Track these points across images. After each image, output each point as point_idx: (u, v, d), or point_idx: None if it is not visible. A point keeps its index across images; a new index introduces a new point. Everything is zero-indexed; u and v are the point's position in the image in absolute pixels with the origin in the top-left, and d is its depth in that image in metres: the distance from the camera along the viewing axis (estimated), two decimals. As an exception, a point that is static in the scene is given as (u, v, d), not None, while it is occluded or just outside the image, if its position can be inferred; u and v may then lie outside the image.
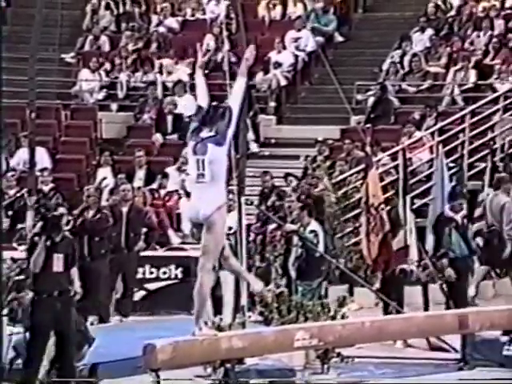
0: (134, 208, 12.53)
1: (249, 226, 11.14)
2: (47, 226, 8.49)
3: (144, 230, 12.54)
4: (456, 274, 11.00)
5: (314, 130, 15.81)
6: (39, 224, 8.80)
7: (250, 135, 15.47)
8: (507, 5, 16.66)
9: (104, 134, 16.78)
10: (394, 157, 14.44)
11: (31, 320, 8.31)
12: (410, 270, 11.02)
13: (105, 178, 14.83)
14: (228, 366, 6.63)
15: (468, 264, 10.86)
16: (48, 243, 8.39)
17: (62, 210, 8.54)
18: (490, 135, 14.85)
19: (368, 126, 15.59)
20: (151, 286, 12.59)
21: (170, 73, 17.15)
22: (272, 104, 16.67)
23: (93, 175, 15.66)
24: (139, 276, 12.52)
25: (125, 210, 12.36)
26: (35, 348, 8.24)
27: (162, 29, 17.97)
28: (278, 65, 16.79)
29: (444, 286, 11.60)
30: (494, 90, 15.39)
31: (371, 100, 16.06)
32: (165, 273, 12.71)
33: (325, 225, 12.28)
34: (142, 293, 12.55)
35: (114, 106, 17.17)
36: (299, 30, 17.21)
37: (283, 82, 16.76)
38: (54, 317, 8.28)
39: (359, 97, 16.12)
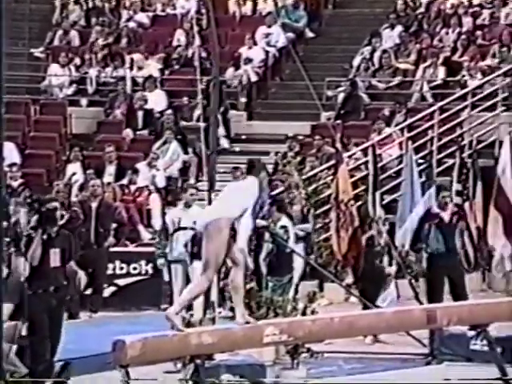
0: (104, 203, 12.49)
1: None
2: (42, 220, 8.42)
3: (114, 225, 12.50)
4: (429, 270, 11.09)
5: (284, 126, 15.84)
6: (34, 218, 8.72)
7: (221, 131, 15.46)
8: (475, 2, 16.78)
9: (74, 129, 16.69)
10: (363, 153, 14.50)
11: (28, 317, 8.21)
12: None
13: (74, 174, 14.76)
14: (198, 361, 6.63)
15: (444, 261, 10.92)
16: (44, 237, 8.31)
17: (55, 203, 8.48)
18: (458, 132, 14.95)
19: (338, 122, 15.65)
20: (121, 282, 12.56)
21: (140, 68, 17.10)
22: (243, 100, 16.67)
23: (62, 171, 15.58)
24: (109, 272, 12.48)
25: (94, 205, 12.32)
26: (37, 345, 8.16)
27: (132, 24, 17.90)
28: (248, 60, 16.80)
29: (413, 281, 11.70)
30: (463, 87, 15.51)
31: (341, 96, 16.11)
32: (135, 268, 12.68)
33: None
34: (112, 288, 12.51)
35: (83, 101, 17.09)
36: (270, 26, 17.22)
37: (254, 78, 16.77)
38: (48, 313, 8.20)
39: (329, 93, 16.16)
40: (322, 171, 14.16)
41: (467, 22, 16.44)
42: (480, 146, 14.56)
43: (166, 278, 11.22)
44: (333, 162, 13.24)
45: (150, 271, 12.63)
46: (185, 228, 10.18)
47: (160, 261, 11.27)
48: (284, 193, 13.56)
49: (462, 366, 9.25)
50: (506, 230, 12.31)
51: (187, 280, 10.52)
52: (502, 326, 8.66)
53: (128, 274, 12.61)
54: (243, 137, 16.41)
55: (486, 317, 7.49)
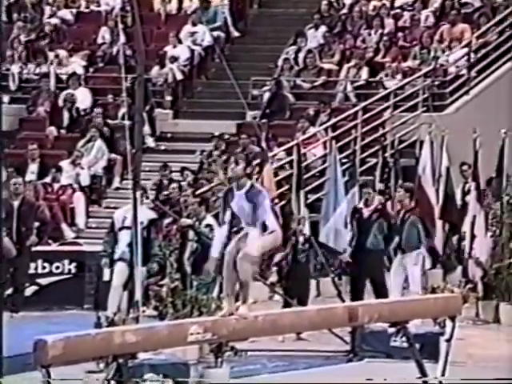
0: (26, 202, 12.33)
1: (154, 220, 11.12)
2: None
3: (36, 224, 12.35)
4: (353, 265, 11.28)
5: (210, 125, 15.85)
6: None
7: (146, 129, 15.40)
8: (396, 4, 17.06)
9: (-5, 126, 16.38)
10: (288, 152, 14.62)
11: None
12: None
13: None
14: (121, 361, 6.60)
15: (358, 257, 11.12)
16: None
17: None
18: (380, 132, 15.19)
19: (264, 121, 15.74)
20: (43, 281, 12.42)
21: (64, 65, 16.91)
22: (168, 98, 16.63)
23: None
24: (31, 271, 12.33)
25: (16, 204, 12.15)
26: None
27: (55, 20, 17.69)
28: (174, 59, 16.77)
29: (336, 279, 11.86)
30: (385, 87, 15.76)
31: (267, 95, 16.20)
32: (58, 267, 12.56)
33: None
34: (34, 288, 12.37)
35: (5, 99, 16.80)
36: (195, 25, 17.22)
37: (179, 77, 16.74)
38: None
39: (255, 92, 16.24)
40: (246, 170, 14.19)
41: (389, 23, 16.70)
42: (402, 145, 14.82)
43: (107, 277, 11.05)
44: (258, 160, 13.30)
45: (73, 270, 12.53)
46: (129, 227, 10.09)
47: (103, 260, 11.06)
48: (209, 191, 13.59)
49: (381, 363, 9.42)
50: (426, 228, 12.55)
51: (127, 281, 10.39)
52: (421, 323, 8.84)
53: (50, 273, 12.48)
54: (169, 135, 16.36)
55: (406, 314, 7.63)
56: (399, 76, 15.89)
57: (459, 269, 12.47)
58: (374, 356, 9.68)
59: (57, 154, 15.59)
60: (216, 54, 16.59)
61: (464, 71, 15.79)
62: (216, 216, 11.99)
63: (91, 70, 17.09)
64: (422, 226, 11.37)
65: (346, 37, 16.72)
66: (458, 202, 13.11)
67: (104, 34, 17.33)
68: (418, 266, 11.26)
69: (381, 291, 10.90)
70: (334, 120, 15.32)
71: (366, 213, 11.25)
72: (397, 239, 11.34)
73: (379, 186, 13.65)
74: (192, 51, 16.96)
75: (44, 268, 12.53)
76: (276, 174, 13.78)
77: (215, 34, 17.06)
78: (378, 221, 11.21)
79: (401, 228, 11.31)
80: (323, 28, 16.90)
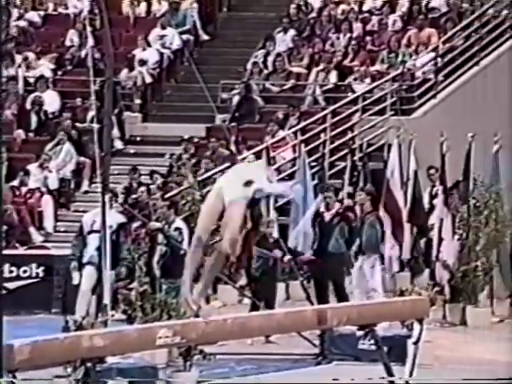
0: (-7, 206, 12.24)
1: (123, 223, 11.07)
2: None
3: (4, 227, 12.24)
4: (315, 269, 11.34)
5: (179, 128, 15.85)
6: None
7: (115, 132, 15.37)
8: (364, 8, 17.17)
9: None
10: (257, 155, 14.65)
11: None
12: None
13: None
14: (89, 365, 6.58)
15: (321, 260, 11.21)
16: None
17: None
18: (349, 135, 15.27)
19: (233, 124, 15.76)
20: (11, 285, 12.34)
21: (31, 68, 16.82)
22: (137, 101, 16.60)
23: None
24: (-2, 275, 12.24)
25: (-17, 207, 12.05)
26: None
27: (22, 23, 17.60)
28: (142, 62, 16.75)
29: (305, 282, 11.91)
30: (354, 91, 15.85)
31: (236, 99, 16.23)
32: (25, 271, 12.49)
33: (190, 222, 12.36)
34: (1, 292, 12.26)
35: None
36: (164, 28, 17.21)
37: (148, 80, 16.72)
38: None
39: (224, 95, 16.26)
40: (216, 173, 14.25)
41: (357, 27, 16.80)
42: (370, 149, 14.92)
43: (76, 281, 11.00)
44: (227, 164, 13.32)
45: (41, 274, 12.46)
46: (98, 231, 10.06)
47: (72, 263, 10.99)
48: (178, 195, 13.58)
49: (350, 366, 9.47)
50: (395, 231, 12.66)
51: (96, 284, 10.33)
52: (389, 326, 8.90)
53: (18, 277, 12.41)
54: (138, 138, 16.34)
55: (374, 317, 7.67)
56: (368, 80, 15.99)
57: (427, 272, 12.58)
58: (343, 359, 9.73)
59: (25, 157, 15.51)
60: (185, 57, 16.60)
61: (431, 75, 15.92)
62: (185, 219, 11.99)
63: (59, 72, 17.02)
64: (381, 227, 11.48)
65: (315, 40, 16.80)
66: (426, 205, 13.22)
67: (72, 36, 17.27)
68: (375, 268, 11.36)
69: (342, 294, 10.99)
70: (303, 123, 15.38)
71: (327, 217, 11.35)
72: (358, 241, 11.43)
73: (348, 189, 13.73)
74: (161, 54, 16.94)
75: (11, 272, 12.45)
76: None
77: (184, 37, 17.07)
78: (340, 224, 11.31)
79: (361, 230, 11.41)
80: (292, 32, 16.97)
